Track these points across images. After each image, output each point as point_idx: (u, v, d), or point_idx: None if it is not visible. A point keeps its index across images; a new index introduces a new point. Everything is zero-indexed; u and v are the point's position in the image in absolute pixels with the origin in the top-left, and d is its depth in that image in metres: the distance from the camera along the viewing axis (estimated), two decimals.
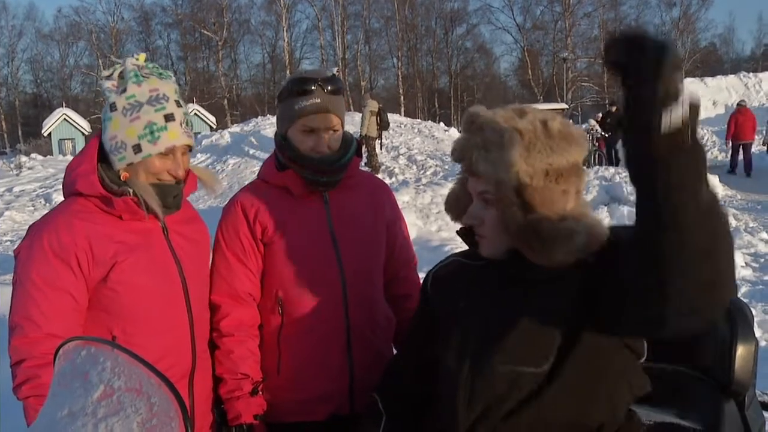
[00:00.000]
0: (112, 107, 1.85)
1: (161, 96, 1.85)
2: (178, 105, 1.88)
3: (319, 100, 1.98)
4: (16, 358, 1.73)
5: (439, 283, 1.77)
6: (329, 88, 2.00)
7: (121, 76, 1.86)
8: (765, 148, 19.42)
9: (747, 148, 17.25)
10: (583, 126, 19.06)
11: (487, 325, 1.55)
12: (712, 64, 55.57)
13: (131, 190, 1.83)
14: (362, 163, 8.97)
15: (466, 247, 1.71)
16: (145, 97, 1.83)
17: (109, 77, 1.88)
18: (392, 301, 2.21)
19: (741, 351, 1.98)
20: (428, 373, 1.69)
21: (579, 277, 1.46)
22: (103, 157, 1.88)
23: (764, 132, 19.83)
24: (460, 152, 1.58)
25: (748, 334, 2.00)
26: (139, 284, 1.84)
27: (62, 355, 1.15)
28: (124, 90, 1.84)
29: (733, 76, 33.86)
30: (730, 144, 17.56)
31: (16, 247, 1.88)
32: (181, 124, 1.86)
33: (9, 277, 8.54)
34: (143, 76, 1.86)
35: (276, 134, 2.11)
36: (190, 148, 1.93)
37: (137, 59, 1.91)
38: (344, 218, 2.07)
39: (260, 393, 2.03)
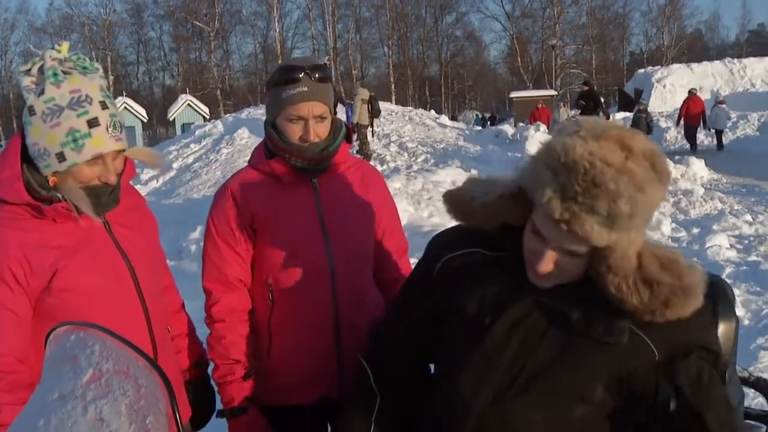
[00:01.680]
0: (31, 111, 1.69)
1: (83, 98, 1.68)
2: (104, 106, 1.71)
3: (306, 89, 1.98)
4: None
5: (455, 276, 1.57)
6: (317, 76, 2.00)
7: (41, 71, 1.69)
8: (711, 130, 21.11)
9: (694, 130, 20.31)
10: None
11: (520, 364, 1.44)
12: (697, 51, 56.02)
13: (60, 195, 1.71)
14: (354, 151, 8.94)
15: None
16: (66, 100, 1.67)
17: (27, 73, 1.70)
18: (382, 285, 2.23)
19: (722, 329, 2.00)
20: (424, 357, 1.66)
21: (647, 355, 1.38)
22: (29, 158, 1.73)
23: (711, 116, 21.01)
24: (563, 210, 1.29)
25: (729, 313, 2.03)
26: (86, 286, 1.75)
27: (52, 340, 1.18)
28: (43, 91, 1.67)
29: (718, 62, 34.16)
30: (683, 126, 20.70)
31: None
32: (107, 129, 1.71)
33: None
34: (65, 72, 1.69)
35: (265, 122, 2.13)
36: (122, 151, 1.79)
37: (58, 51, 1.72)
38: (333, 204, 2.09)
39: (252, 377, 2.06)
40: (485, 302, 1.50)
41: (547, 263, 1.37)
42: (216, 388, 2.13)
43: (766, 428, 2.19)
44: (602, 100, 19.82)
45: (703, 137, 21.02)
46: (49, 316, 1.72)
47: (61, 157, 1.68)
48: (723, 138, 20.62)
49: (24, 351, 1.68)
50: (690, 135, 20.45)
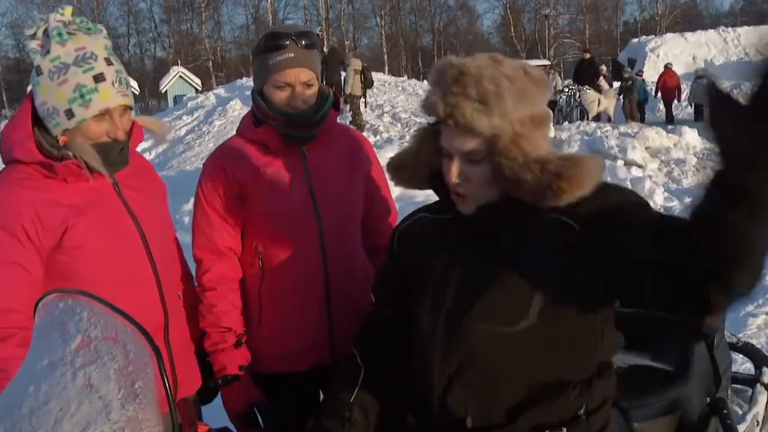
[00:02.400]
0: (38, 71, 1.74)
1: (88, 55, 1.73)
2: (109, 63, 1.76)
3: (292, 55, 1.97)
4: None
5: (408, 240, 1.73)
6: (303, 42, 1.99)
7: (46, 34, 1.74)
8: (691, 107, 21.50)
9: (670, 104, 20.73)
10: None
11: (464, 281, 1.54)
12: (692, 20, 55.63)
13: (71, 153, 1.74)
14: (347, 122, 8.93)
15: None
16: (71, 58, 1.71)
17: (33, 36, 1.75)
18: (372, 252, 2.23)
19: None
20: (403, 327, 1.69)
21: (569, 233, 1.45)
22: (40, 120, 1.77)
23: (689, 93, 21.60)
24: (444, 106, 1.47)
25: None
26: (96, 246, 1.77)
27: (41, 308, 1.18)
28: (48, 51, 1.72)
29: (712, 31, 34.04)
30: (661, 99, 21.16)
31: None
32: (113, 84, 1.75)
33: None
34: (69, 33, 1.74)
35: (252, 90, 2.12)
36: (129, 107, 1.82)
37: (62, 14, 1.77)
38: (322, 172, 2.08)
39: (244, 345, 2.07)
40: (427, 251, 1.63)
41: (454, 173, 1.51)
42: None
43: (752, 391, 2.23)
44: (603, 68, 19.63)
45: (680, 110, 21.73)
46: (61, 275, 1.75)
47: (69, 113, 1.72)
48: (702, 111, 20.85)
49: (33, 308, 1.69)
50: (667, 108, 20.89)
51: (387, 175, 1.74)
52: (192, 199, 2.09)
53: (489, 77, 1.44)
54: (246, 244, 2.10)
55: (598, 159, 1.49)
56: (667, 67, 21.74)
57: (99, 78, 1.73)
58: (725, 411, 1.88)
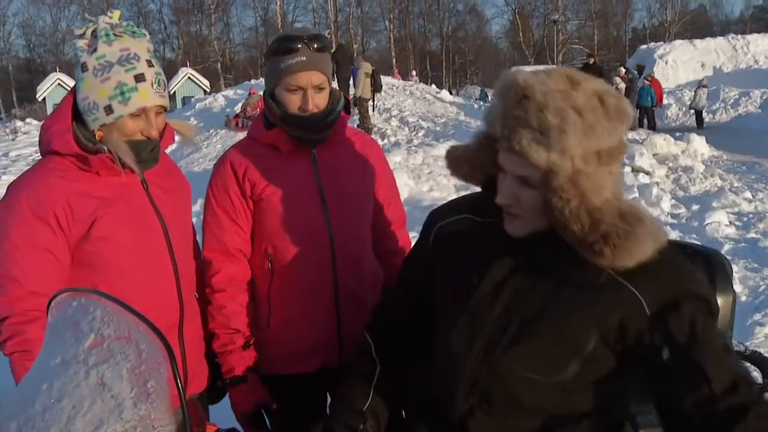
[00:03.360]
0: (84, 67, 1.83)
1: (132, 56, 1.82)
2: (150, 65, 1.85)
3: (304, 58, 1.97)
4: (0, 316, 1.74)
5: (448, 242, 1.64)
6: (315, 46, 1.99)
7: (94, 35, 1.83)
8: (692, 111, 22.12)
9: (651, 111, 20.70)
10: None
11: (507, 318, 1.47)
12: (701, 26, 55.18)
13: (106, 148, 1.82)
14: (355, 125, 8.94)
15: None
16: (116, 57, 1.81)
17: (81, 36, 1.85)
18: (381, 257, 2.24)
19: (720, 302, 2.02)
20: (426, 328, 1.67)
21: (621, 307, 1.39)
22: (79, 115, 1.86)
23: (694, 97, 21.96)
24: (502, 126, 1.39)
25: (726, 287, 2.05)
26: (121, 238, 1.85)
27: (54, 306, 1.19)
28: (95, 50, 1.81)
29: (721, 38, 33.83)
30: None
31: None
32: (152, 84, 1.84)
33: None
34: (116, 35, 1.83)
35: (264, 93, 2.12)
36: (164, 108, 1.91)
37: (111, 17, 1.87)
38: (332, 175, 2.09)
39: (252, 347, 2.07)
40: (473, 263, 1.54)
41: (505, 194, 1.44)
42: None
43: None
44: (621, 69, 19.62)
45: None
46: (86, 264, 1.84)
47: (108, 109, 1.81)
48: (703, 117, 21.58)
49: None
50: (649, 115, 21.06)
51: (445, 162, 1.67)
52: (200, 201, 2.10)
53: (554, 109, 1.32)
54: (256, 245, 2.10)
55: (655, 229, 1.38)
56: (651, 77, 21.99)
57: (140, 78, 1.82)
58: None
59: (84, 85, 1.83)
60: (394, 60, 55.74)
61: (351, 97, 15.82)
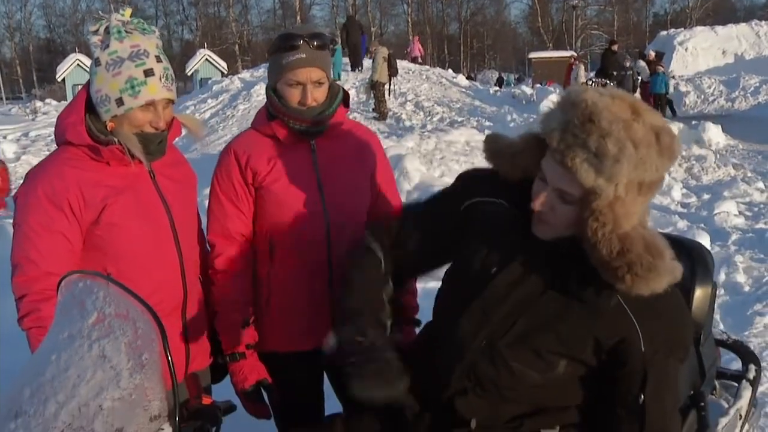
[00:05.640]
0: (97, 62, 1.95)
1: (142, 52, 1.94)
2: (158, 60, 1.97)
3: (304, 55, 2.08)
4: (18, 294, 1.89)
5: (476, 222, 1.72)
6: (315, 43, 2.10)
7: (107, 31, 1.95)
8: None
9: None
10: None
11: (514, 318, 1.59)
12: (725, 13, 54.00)
13: (116, 140, 1.95)
14: (370, 109, 9.00)
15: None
16: (127, 53, 1.93)
17: (95, 32, 1.96)
18: None
19: (699, 293, 2.12)
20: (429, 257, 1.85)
21: (622, 334, 1.54)
22: (92, 108, 1.99)
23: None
24: (560, 140, 1.45)
25: (706, 279, 2.14)
26: (129, 224, 1.98)
27: (63, 287, 1.32)
28: (107, 46, 1.94)
29: (744, 24, 33.13)
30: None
31: (15, 192, 2.03)
32: (160, 79, 1.96)
33: None
34: (127, 32, 1.95)
35: (267, 86, 2.23)
36: (172, 101, 2.03)
37: (123, 15, 2.00)
38: (330, 165, 2.20)
39: (251, 325, 2.19)
40: (496, 252, 1.64)
41: (543, 200, 1.52)
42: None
43: (738, 386, 2.32)
44: (628, 64, 19.14)
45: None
46: (96, 247, 1.97)
47: (119, 102, 1.93)
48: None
49: None
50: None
51: (483, 146, 1.76)
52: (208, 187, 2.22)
53: (615, 139, 1.39)
54: (257, 231, 2.22)
55: (673, 269, 1.48)
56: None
57: (149, 73, 1.94)
58: (702, 404, 1.97)
59: (97, 79, 1.96)
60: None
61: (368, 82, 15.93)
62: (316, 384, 2.38)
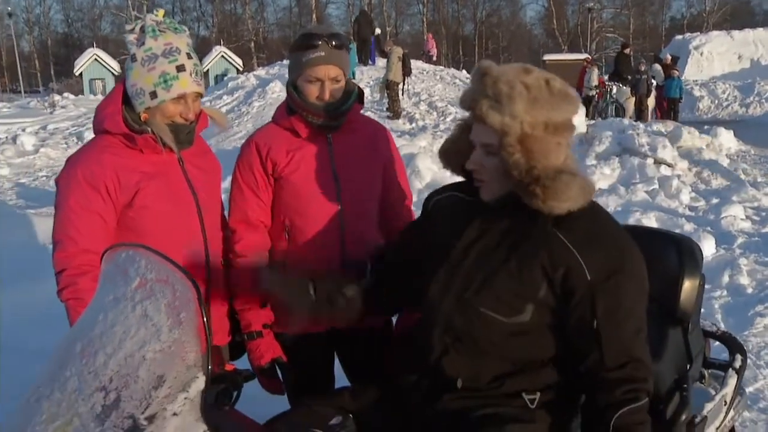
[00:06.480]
0: (133, 58, 2.13)
1: (174, 49, 2.13)
2: (189, 57, 2.15)
3: (323, 53, 2.24)
4: (58, 268, 2.08)
5: (438, 210, 2.00)
6: (333, 43, 2.25)
7: (142, 30, 2.13)
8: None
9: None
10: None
11: (477, 268, 1.79)
12: (743, 17, 53.55)
13: (150, 129, 2.13)
14: (384, 108, 9.11)
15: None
16: (161, 50, 2.11)
17: (131, 31, 2.15)
18: (387, 231, 2.49)
19: (687, 285, 2.26)
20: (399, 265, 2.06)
21: (567, 265, 1.71)
22: (127, 100, 2.17)
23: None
24: (470, 101, 1.76)
25: (694, 271, 2.28)
26: (159, 207, 2.17)
27: (106, 258, 1.48)
28: (143, 43, 2.12)
29: (761, 29, 32.85)
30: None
31: (56, 176, 2.19)
32: (191, 74, 2.14)
33: (46, 209, 8.98)
34: (160, 31, 2.13)
35: (287, 82, 2.39)
36: (200, 95, 2.21)
37: (157, 15, 2.18)
38: (345, 158, 2.35)
39: (268, 306, 2.35)
40: (453, 228, 1.88)
41: (473, 160, 1.80)
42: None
43: (725, 375, 2.45)
44: (643, 68, 19.00)
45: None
46: (129, 228, 2.16)
47: (153, 95, 2.12)
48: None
49: None
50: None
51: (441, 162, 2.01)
52: (229, 178, 2.37)
53: (506, 81, 1.70)
54: (275, 218, 2.38)
55: (583, 182, 1.72)
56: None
57: (180, 68, 2.12)
58: (685, 385, 2.10)
59: (133, 74, 2.13)
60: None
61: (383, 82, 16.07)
62: (327, 364, 2.53)
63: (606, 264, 1.70)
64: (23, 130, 17.63)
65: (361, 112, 2.46)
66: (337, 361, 2.59)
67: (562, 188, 1.67)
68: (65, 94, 28.40)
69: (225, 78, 22.97)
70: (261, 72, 22.16)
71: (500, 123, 1.70)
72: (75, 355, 1.27)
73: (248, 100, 18.39)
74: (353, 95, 2.37)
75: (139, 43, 2.13)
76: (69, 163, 2.17)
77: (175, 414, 1.17)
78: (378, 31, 23.11)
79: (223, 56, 42.68)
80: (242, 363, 2.43)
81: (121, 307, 1.30)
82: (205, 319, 1.23)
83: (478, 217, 1.85)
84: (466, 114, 1.85)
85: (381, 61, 19.66)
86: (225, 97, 19.18)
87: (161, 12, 2.21)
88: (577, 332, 1.73)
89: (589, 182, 1.75)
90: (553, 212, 1.70)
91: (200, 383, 1.21)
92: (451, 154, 1.95)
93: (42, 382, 1.32)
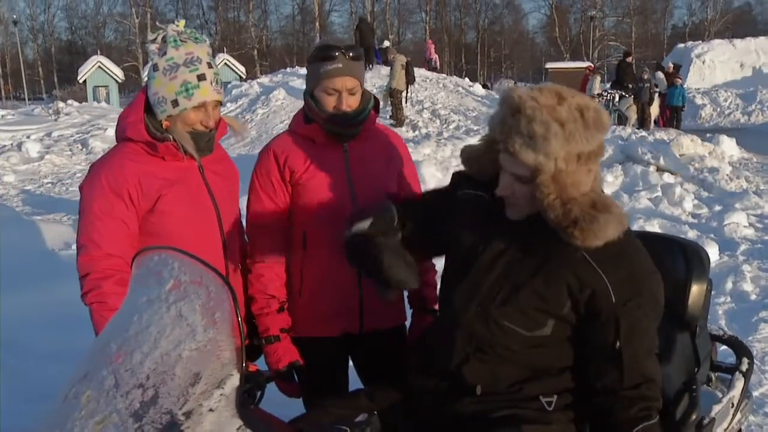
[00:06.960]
0: (155, 68, 2.18)
1: (195, 59, 2.18)
2: (210, 66, 2.21)
3: (341, 65, 2.29)
4: (83, 272, 2.13)
5: (465, 207, 2.00)
6: (351, 54, 2.31)
7: (164, 40, 2.19)
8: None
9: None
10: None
11: (501, 283, 1.83)
12: (744, 26, 53.60)
13: (171, 137, 2.18)
14: (387, 116, 9.20)
15: None
16: (182, 60, 2.17)
17: (153, 41, 2.21)
18: None
19: (694, 289, 2.32)
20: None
21: (593, 286, 1.76)
22: (149, 109, 2.22)
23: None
24: (500, 132, 1.75)
25: (702, 276, 2.33)
26: (180, 213, 2.22)
27: (137, 261, 1.54)
28: (165, 53, 2.17)
29: (763, 37, 32.96)
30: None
31: (80, 183, 2.25)
32: (211, 83, 2.20)
33: (53, 216, 9.00)
34: (181, 41, 2.18)
35: (305, 92, 2.45)
36: (220, 103, 2.27)
37: (178, 26, 2.23)
38: (360, 165, 2.41)
39: (286, 311, 2.40)
40: (480, 234, 1.91)
41: (504, 186, 1.81)
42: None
43: (732, 378, 2.50)
44: (646, 76, 18.94)
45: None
46: (150, 233, 2.21)
47: (175, 103, 2.18)
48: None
49: (130, 256, 2.07)
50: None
51: (460, 157, 2.07)
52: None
53: (540, 121, 1.67)
54: (292, 224, 2.43)
55: (620, 217, 1.74)
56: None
57: (201, 77, 2.18)
58: (694, 387, 2.15)
59: (155, 83, 2.19)
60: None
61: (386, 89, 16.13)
62: (342, 367, 2.58)
63: (630, 286, 1.76)
64: (28, 137, 17.67)
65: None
66: (351, 365, 2.63)
67: (600, 229, 1.70)
68: (69, 101, 28.42)
69: (228, 85, 23.03)
70: (264, 80, 22.26)
71: (534, 161, 1.70)
72: (110, 354, 1.32)
73: (252, 107, 18.48)
74: (369, 105, 2.42)
75: (161, 52, 2.19)
76: (93, 170, 2.23)
77: (211, 410, 1.22)
78: (387, 43, 23.27)
79: (226, 64, 42.62)
80: (258, 365, 2.49)
81: (155, 307, 1.36)
82: (239, 319, 1.29)
83: (505, 226, 1.87)
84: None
85: (384, 69, 19.75)
86: (228, 104, 19.23)
87: (182, 22, 2.26)
88: (599, 351, 1.79)
89: (624, 215, 1.78)
90: (590, 247, 1.74)
91: (235, 380, 1.26)
92: (473, 162, 2.00)
93: (77, 380, 1.37)
